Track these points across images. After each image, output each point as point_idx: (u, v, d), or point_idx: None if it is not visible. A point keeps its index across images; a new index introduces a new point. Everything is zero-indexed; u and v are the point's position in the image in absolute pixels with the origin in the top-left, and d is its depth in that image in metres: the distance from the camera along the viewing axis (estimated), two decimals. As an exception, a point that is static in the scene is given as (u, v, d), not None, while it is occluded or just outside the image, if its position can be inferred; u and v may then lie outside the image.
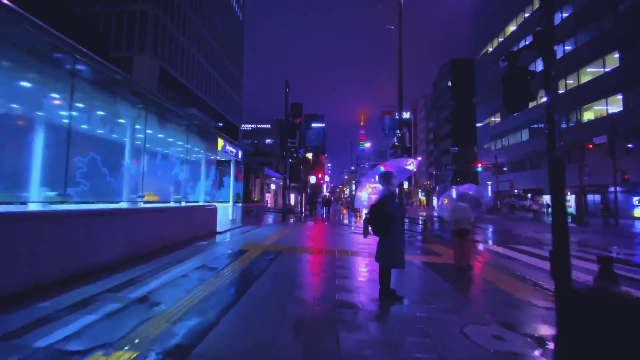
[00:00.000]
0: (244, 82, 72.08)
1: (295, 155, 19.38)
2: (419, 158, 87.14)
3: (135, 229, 5.96)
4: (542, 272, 6.68)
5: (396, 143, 10.87)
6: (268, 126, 77.32)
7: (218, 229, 9.97)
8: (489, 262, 7.60)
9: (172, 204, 7.94)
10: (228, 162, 12.33)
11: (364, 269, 6.18)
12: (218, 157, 11.96)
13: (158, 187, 7.23)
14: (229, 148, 11.09)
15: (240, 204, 12.48)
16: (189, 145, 9.26)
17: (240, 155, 12.42)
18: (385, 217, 4.36)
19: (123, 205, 6.16)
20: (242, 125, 75.69)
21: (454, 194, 6.84)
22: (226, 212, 12.30)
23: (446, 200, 6.97)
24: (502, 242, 12.09)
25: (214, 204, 9.77)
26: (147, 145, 6.74)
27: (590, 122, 31.72)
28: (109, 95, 5.58)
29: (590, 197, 32.95)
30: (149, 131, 7.27)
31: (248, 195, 13.81)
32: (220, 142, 10.09)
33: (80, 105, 5.06)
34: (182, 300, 4.00)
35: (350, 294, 4.57)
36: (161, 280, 4.81)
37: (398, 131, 11.00)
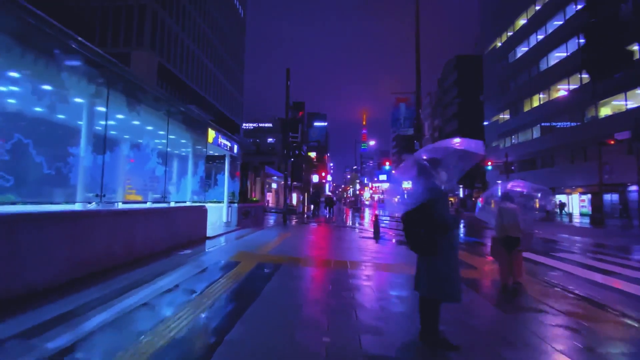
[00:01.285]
0: (245, 80, 70.91)
1: (297, 152, 17.93)
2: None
3: (88, 238, 4.57)
4: (614, 293, 5.23)
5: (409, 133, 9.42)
6: (270, 125, 76.22)
7: (209, 234, 8.61)
8: (534, 275, 6.14)
9: (147, 205, 6.56)
10: (222, 157, 10.96)
11: (390, 291, 4.75)
12: (210, 152, 10.56)
13: (128, 185, 5.84)
14: (223, 141, 9.70)
15: (236, 205, 11.10)
16: (173, 136, 7.87)
17: (236, 150, 11.01)
18: (435, 228, 2.93)
19: (76, 206, 4.76)
20: (244, 124, 74.50)
21: (498, 191, 5.38)
22: (220, 214, 10.92)
23: (491, 203, 5.50)
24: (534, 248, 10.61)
25: (203, 204, 8.39)
26: (112, 132, 5.33)
27: (608, 117, 30.08)
28: (49, 61, 4.18)
29: (606, 196, 31.29)
30: (119, 116, 5.88)
31: (245, 194, 12.41)
32: (212, 133, 8.69)
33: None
34: (125, 355, 2.58)
35: (381, 338, 3.14)
36: (109, 313, 3.40)
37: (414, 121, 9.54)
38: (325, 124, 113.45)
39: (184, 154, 8.09)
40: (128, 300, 3.82)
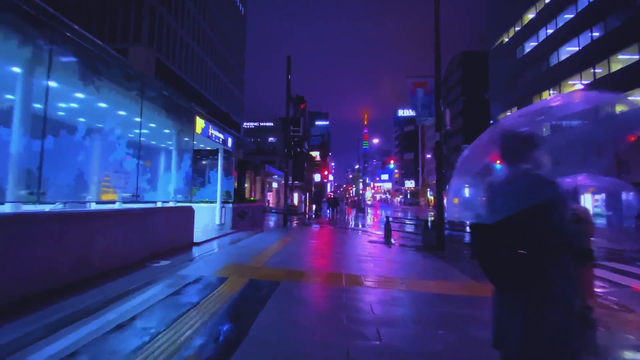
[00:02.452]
0: (246, 79, 69.96)
1: (299, 149, 16.74)
2: (428, 156, 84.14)
3: (18, 251, 3.34)
4: None
5: (427, 121, 8.17)
6: (271, 124, 75.24)
7: (198, 239, 7.39)
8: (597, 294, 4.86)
9: (111, 207, 5.32)
10: (215, 152, 9.73)
11: (435, 327, 3.47)
12: (201, 146, 9.33)
13: (85, 180, 4.61)
14: (214, 133, 8.47)
15: (230, 205, 9.86)
16: (154, 125, 6.64)
17: (230, 144, 9.74)
18: (551, 249, 1.67)
19: (6, 208, 3.53)
20: (245, 123, 73.49)
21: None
22: (213, 215, 9.68)
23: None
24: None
25: (189, 204, 7.16)
26: (60, 113, 4.10)
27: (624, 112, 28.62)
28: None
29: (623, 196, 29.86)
30: (79, 95, 4.64)
31: (242, 193, 11.17)
32: (200, 122, 7.44)
33: None
34: None
35: None
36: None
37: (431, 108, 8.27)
38: (327, 123, 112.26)
39: (165, 146, 6.87)
40: (56, 344, 2.58)
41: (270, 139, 70.92)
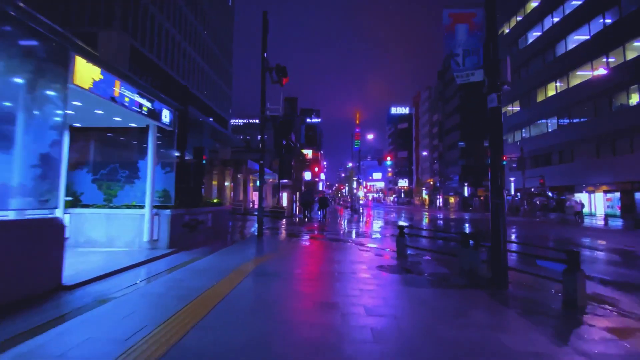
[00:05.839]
0: (235, 73, 66.38)
1: (284, 142, 13.81)
2: (424, 153, 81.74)
3: None
4: None
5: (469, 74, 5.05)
6: (261, 121, 71.65)
7: (83, 275, 4.23)
8: None
9: None
10: (141, 130, 6.38)
11: None
12: (115, 118, 6.06)
13: None
14: (127, 94, 5.07)
15: (168, 212, 6.55)
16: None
17: (168, 119, 6.38)
18: None
19: None
20: (233, 120, 70.04)
21: None
22: (138, 228, 6.38)
23: None
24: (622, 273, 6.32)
25: (48, 215, 3.92)
26: None
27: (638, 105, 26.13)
28: None
29: (637, 195, 27.27)
30: None
31: (196, 193, 7.86)
32: (85, 67, 4.09)
33: None
34: None
35: None
36: None
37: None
38: (319, 120, 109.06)
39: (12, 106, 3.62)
40: None
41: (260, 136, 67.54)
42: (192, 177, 8.24)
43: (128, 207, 6.61)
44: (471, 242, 5.50)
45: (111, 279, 4.61)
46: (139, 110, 5.51)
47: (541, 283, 4.96)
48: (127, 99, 5.19)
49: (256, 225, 10.46)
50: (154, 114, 6.07)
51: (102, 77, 4.64)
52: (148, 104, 5.78)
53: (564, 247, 5.32)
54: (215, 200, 9.23)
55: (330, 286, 4.89)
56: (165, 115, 6.48)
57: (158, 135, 6.87)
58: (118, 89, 4.98)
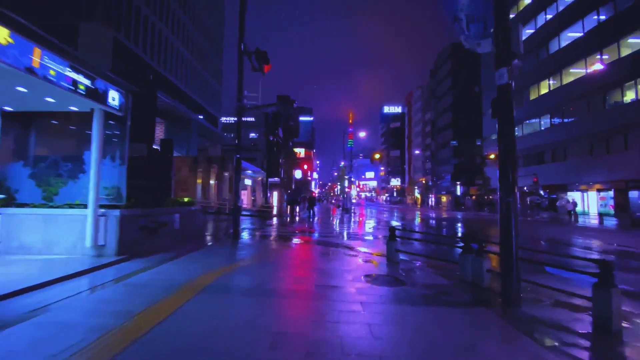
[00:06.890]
0: (225, 71, 64.87)
1: (272, 138, 12.87)
2: (416, 152, 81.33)
3: None
4: None
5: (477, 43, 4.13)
6: (252, 119, 70.47)
7: (32, 281, 3.22)
8: None
9: None
10: (89, 117, 5.34)
11: None
12: (48, 99, 5.03)
13: None
14: (52, 66, 4.11)
15: (118, 212, 5.52)
16: None
17: (117, 102, 5.32)
18: None
19: None
20: (223, 118, 68.58)
21: None
22: (81, 232, 5.32)
23: None
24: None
25: None
26: None
27: (634, 102, 25.75)
28: None
29: (631, 194, 26.95)
30: None
31: (160, 191, 6.82)
32: None
33: None
34: None
35: None
36: None
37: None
38: (311, 118, 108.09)
39: None
40: None
41: (252, 134, 66.56)
42: (157, 173, 7.21)
43: (71, 206, 5.59)
44: (474, 245, 4.61)
45: (22, 297, 3.60)
46: (72, 88, 4.49)
47: (556, 296, 4.09)
48: (52, 72, 4.18)
49: (243, 225, 9.44)
50: (96, 95, 5.04)
51: (12, 40, 3.63)
52: (86, 81, 4.76)
53: (587, 255, 4.44)
54: (185, 200, 8.21)
55: (304, 307, 3.94)
56: (113, 98, 5.45)
57: (111, 122, 5.85)
58: (38, 58, 3.98)
